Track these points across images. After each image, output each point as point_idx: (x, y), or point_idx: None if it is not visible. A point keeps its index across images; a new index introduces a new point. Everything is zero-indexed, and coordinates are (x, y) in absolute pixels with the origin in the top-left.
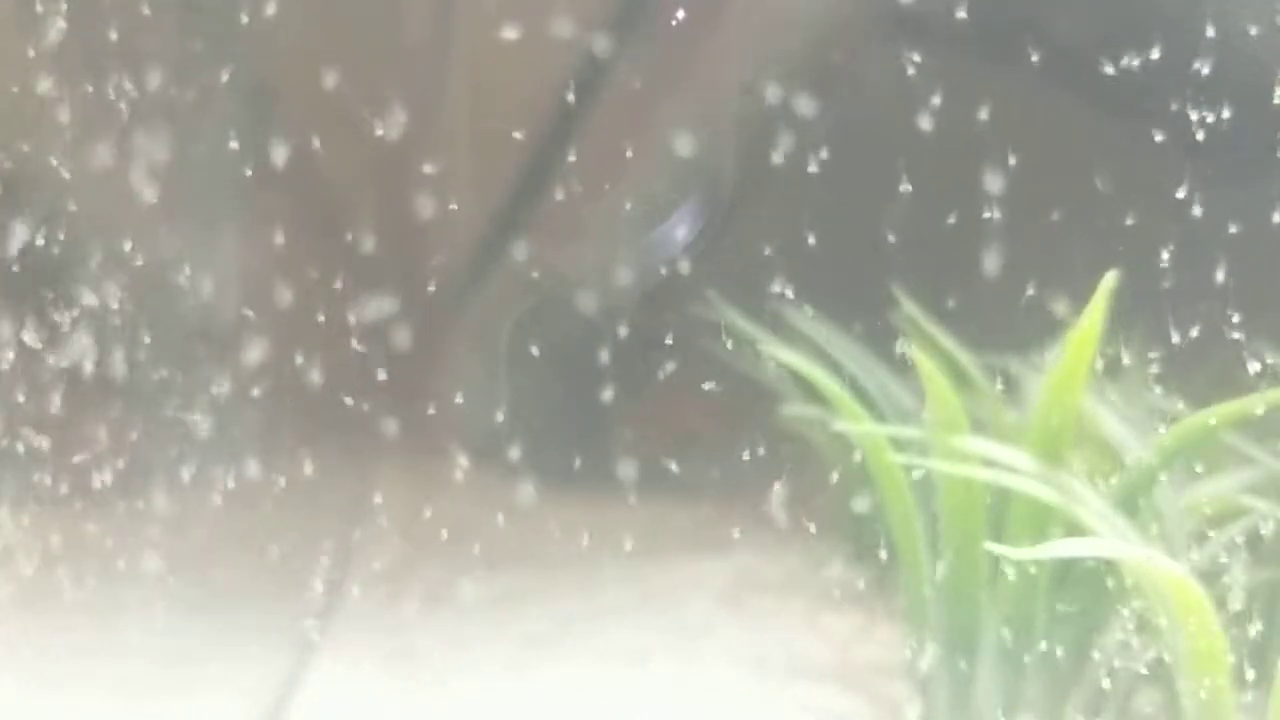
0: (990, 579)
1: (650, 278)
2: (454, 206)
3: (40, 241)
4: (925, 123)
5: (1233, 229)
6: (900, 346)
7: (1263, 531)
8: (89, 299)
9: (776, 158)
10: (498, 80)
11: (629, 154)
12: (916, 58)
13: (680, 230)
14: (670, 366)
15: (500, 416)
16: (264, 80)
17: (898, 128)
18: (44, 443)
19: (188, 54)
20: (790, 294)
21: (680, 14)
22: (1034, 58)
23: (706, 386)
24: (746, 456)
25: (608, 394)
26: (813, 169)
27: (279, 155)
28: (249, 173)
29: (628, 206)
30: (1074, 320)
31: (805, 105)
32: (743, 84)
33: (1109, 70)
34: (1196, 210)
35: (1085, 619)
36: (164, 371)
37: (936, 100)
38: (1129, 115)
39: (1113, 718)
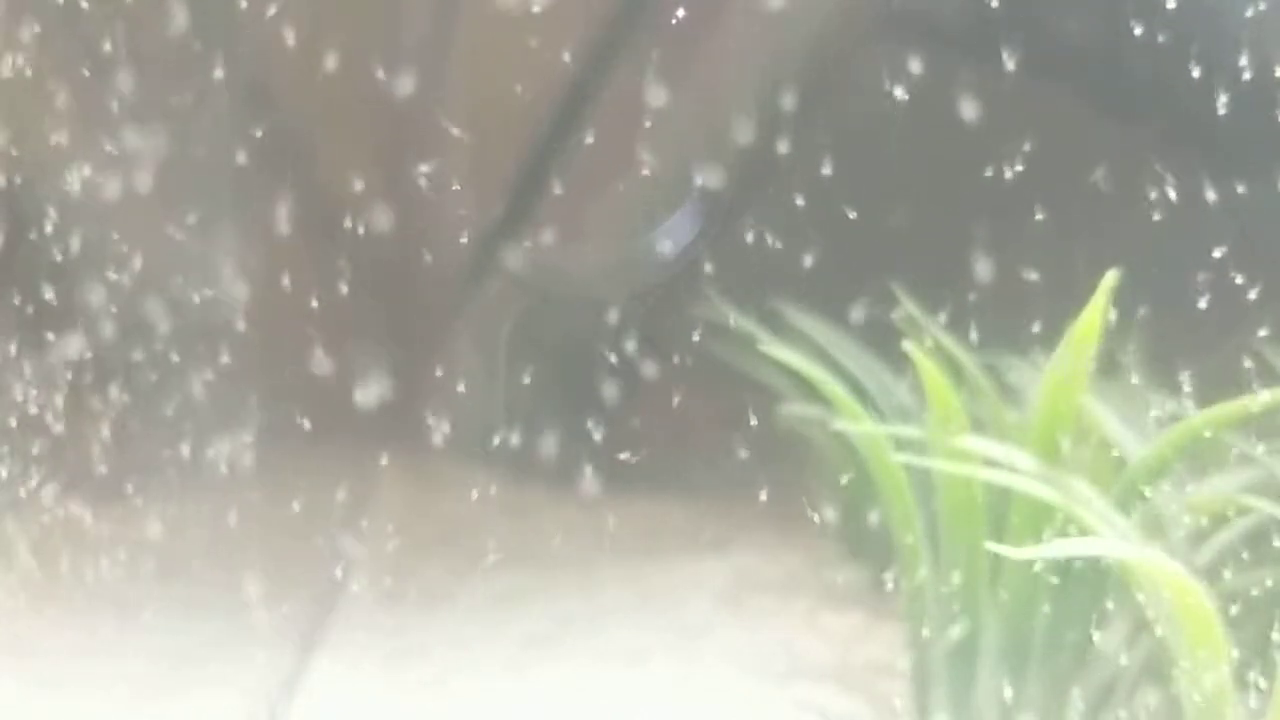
0: (991, 579)
1: (650, 277)
2: (455, 204)
3: (37, 240)
4: (925, 122)
5: (1232, 229)
6: (900, 346)
7: (1263, 531)
8: (88, 297)
9: (776, 157)
10: (498, 80)
11: (629, 154)
12: (917, 57)
13: (680, 230)
14: (670, 366)
15: (500, 416)
16: (263, 77)
17: (898, 127)
18: (43, 443)
19: (185, 51)
20: (790, 293)
21: (680, 14)
22: (1034, 57)
23: (706, 386)
24: (746, 456)
25: (607, 393)
26: (813, 169)
27: (279, 154)
28: (247, 171)
29: (628, 206)
30: (1074, 320)
31: (805, 105)
32: (743, 84)
33: (1109, 69)
34: (1196, 209)
35: (1085, 618)
36: (164, 371)
37: (936, 100)
38: (1129, 114)
39: (1113, 717)
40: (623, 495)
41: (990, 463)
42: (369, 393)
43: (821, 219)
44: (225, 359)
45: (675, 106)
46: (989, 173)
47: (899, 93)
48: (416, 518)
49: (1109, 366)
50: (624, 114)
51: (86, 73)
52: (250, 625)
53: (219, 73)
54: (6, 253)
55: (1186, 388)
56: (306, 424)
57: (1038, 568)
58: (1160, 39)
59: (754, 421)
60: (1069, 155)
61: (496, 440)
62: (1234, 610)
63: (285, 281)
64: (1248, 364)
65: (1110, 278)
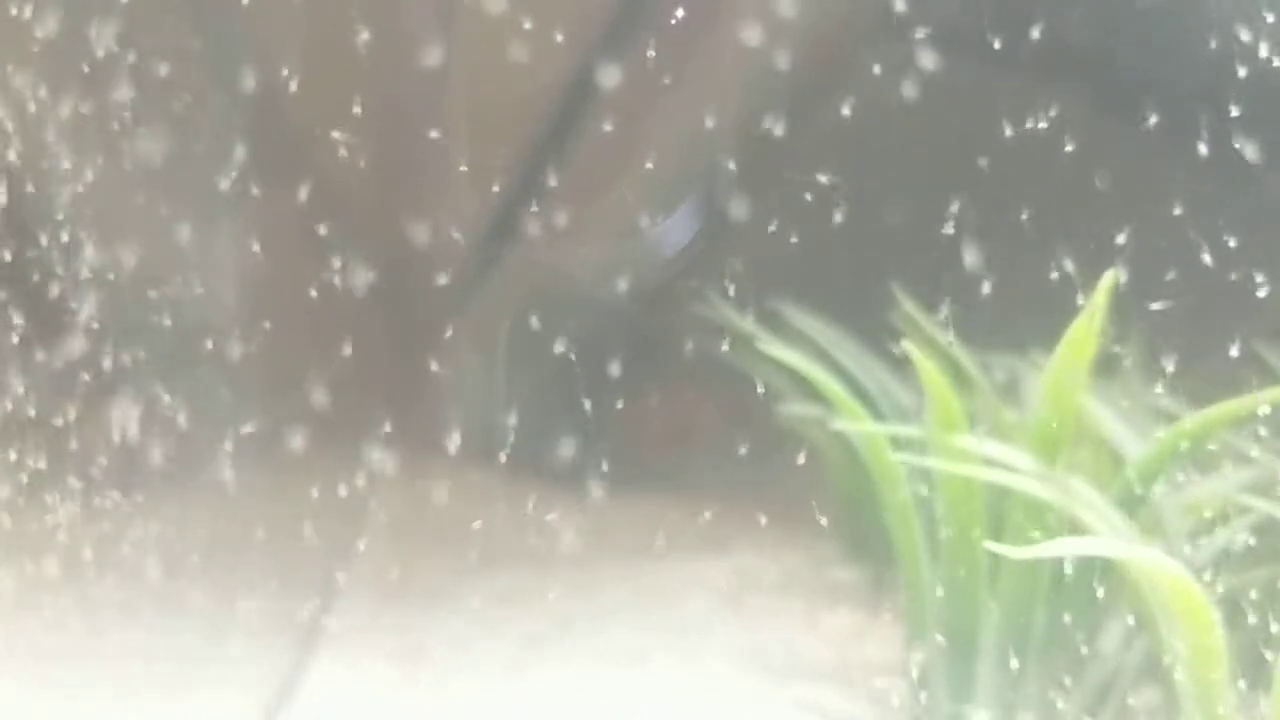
0: (990, 578)
1: (650, 277)
2: (455, 203)
3: (35, 240)
4: (925, 122)
5: (1232, 228)
6: (900, 346)
7: (1262, 531)
8: (88, 298)
9: (776, 156)
10: (498, 79)
11: (629, 152)
12: (917, 57)
13: (680, 230)
14: (670, 366)
15: (500, 415)
16: (263, 77)
17: (898, 127)
18: (43, 443)
19: (188, 53)
20: (790, 293)
21: (680, 13)
22: (1034, 57)
23: (706, 386)
24: (746, 456)
25: (607, 393)
26: (813, 168)
27: (278, 154)
28: (246, 171)
29: (628, 205)
30: (1073, 319)
31: (806, 103)
32: (743, 82)
33: (1110, 70)
34: (1196, 209)
35: (1084, 617)
36: (164, 371)
37: (936, 100)
38: (1129, 114)
39: (1112, 717)
40: (623, 495)
41: (989, 462)
42: (369, 392)
43: (821, 218)
44: (225, 359)
45: (675, 105)
46: (989, 172)
47: (899, 91)
48: (416, 518)
49: (1109, 366)
50: (624, 112)
51: (86, 71)
52: (250, 625)
53: (217, 72)
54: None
55: (1186, 388)
56: (306, 423)
57: (1037, 567)
58: (1160, 39)
59: (754, 421)
60: (1069, 154)
61: (496, 439)
62: (1232, 609)
63: (285, 281)
64: (1248, 364)
65: (1109, 277)
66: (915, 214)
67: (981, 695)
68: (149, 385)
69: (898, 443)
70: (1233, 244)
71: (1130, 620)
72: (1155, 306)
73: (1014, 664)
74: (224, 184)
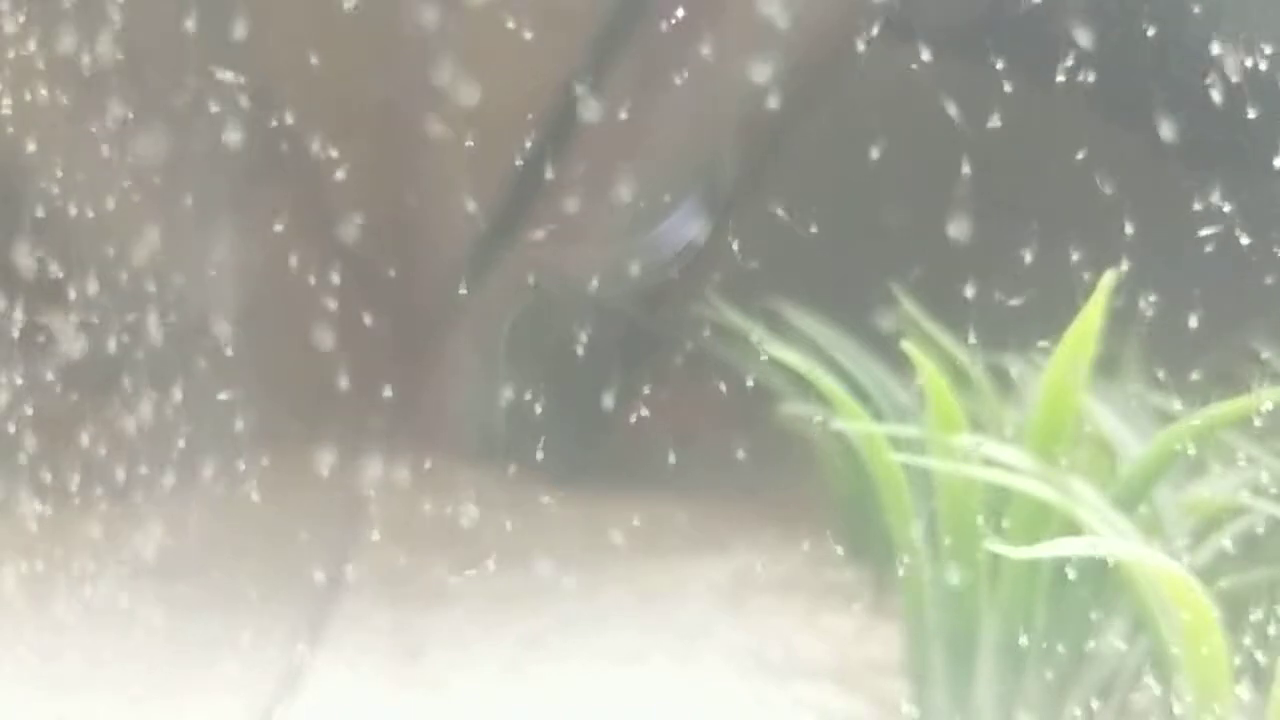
0: (990, 578)
1: (650, 277)
2: (455, 204)
3: (34, 240)
4: (925, 122)
5: (1232, 228)
6: (900, 346)
7: (1261, 531)
8: (87, 298)
9: (776, 157)
10: (498, 79)
11: (629, 154)
12: (916, 57)
13: (680, 230)
14: (670, 366)
15: (499, 416)
16: (260, 78)
17: (898, 126)
18: (43, 443)
19: (186, 51)
20: (790, 293)
21: (680, 13)
22: (1033, 57)
23: (706, 386)
24: (746, 456)
25: (607, 393)
26: (813, 168)
27: (277, 155)
28: (246, 171)
29: (628, 206)
30: (1073, 319)
31: (805, 104)
32: (742, 83)
33: (1109, 70)
34: (1196, 209)
35: (1084, 617)
36: (164, 371)
37: (937, 99)
38: (1129, 115)
39: (1112, 716)
40: (623, 495)
41: (989, 462)
42: (369, 392)
43: (821, 219)
44: (225, 359)
45: (675, 106)
46: (989, 172)
47: (899, 92)
48: (416, 517)
49: (1109, 366)
50: (624, 114)
51: (84, 71)
52: (250, 625)
53: (216, 72)
54: (4, 252)
55: (1186, 388)
56: (306, 424)
57: (1037, 567)
58: (1160, 39)
59: (754, 422)
60: (1069, 155)
61: (496, 439)
62: (1232, 609)
63: (285, 281)
64: (1247, 364)
65: (1109, 277)
66: (915, 213)
67: (981, 695)
68: (148, 385)
69: (898, 443)
70: (1232, 244)
71: (1130, 620)
72: (1155, 307)
73: (1014, 664)
74: (223, 184)
